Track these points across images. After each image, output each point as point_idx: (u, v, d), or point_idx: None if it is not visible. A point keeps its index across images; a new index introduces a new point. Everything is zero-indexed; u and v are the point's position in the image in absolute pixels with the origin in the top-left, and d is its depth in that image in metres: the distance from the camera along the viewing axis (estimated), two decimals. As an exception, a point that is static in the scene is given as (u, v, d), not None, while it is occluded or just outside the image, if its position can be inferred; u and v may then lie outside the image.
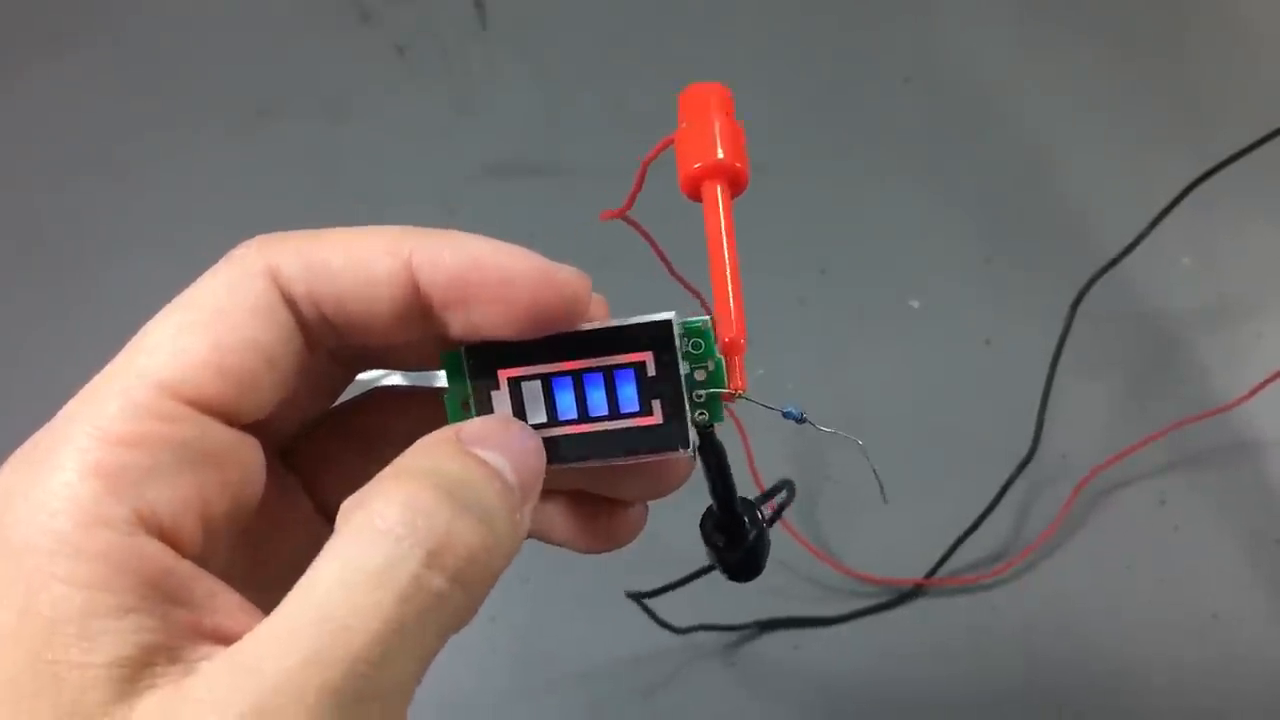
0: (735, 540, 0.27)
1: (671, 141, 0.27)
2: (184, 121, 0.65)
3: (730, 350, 0.24)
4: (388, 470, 0.21)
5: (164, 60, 0.67)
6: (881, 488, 0.27)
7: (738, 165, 0.26)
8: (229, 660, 0.19)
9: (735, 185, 0.26)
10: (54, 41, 0.68)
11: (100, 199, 0.62)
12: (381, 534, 0.19)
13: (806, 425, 0.24)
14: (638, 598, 0.47)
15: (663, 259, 0.30)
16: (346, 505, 0.21)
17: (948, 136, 0.63)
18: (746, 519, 0.27)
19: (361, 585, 0.19)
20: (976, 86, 0.65)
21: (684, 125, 0.27)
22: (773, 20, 0.68)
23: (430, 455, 0.21)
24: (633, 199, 0.28)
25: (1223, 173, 0.49)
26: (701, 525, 0.27)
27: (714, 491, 0.26)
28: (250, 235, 0.23)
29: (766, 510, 0.28)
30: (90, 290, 0.59)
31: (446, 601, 0.20)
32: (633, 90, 0.65)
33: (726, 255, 0.25)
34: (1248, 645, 0.49)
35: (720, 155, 0.26)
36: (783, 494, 0.28)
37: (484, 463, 0.22)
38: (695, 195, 0.27)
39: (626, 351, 0.23)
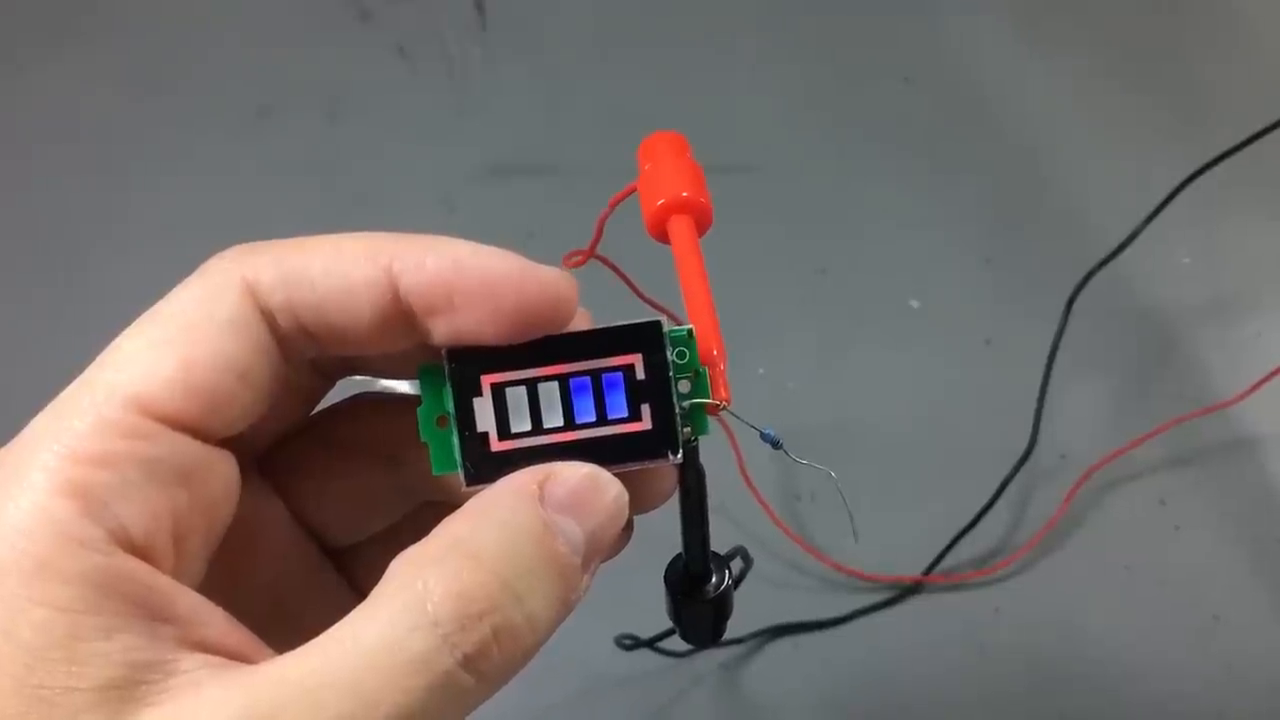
0: (699, 590, 0.26)
1: (632, 191, 0.28)
2: (184, 121, 0.65)
3: (710, 362, 0.23)
4: (458, 530, 0.21)
5: (164, 60, 0.67)
6: (853, 523, 0.27)
7: (701, 200, 0.27)
8: (243, 692, 0.19)
9: (700, 221, 0.27)
10: (54, 41, 0.68)
11: (100, 199, 0.62)
12: (430, 624, 0.19)
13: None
14: (631, 646, 0.47)
15: (629, 284, 0.30)
16: (401, 562, 0.21)
17: (947, 136, 0.63)
18: (714, 571, 0.26)
19: (398, 668, 0.19)
20: (976, 86, 0.65)
21: (644, 171, 0.28)
22: (772, 20, 0.68)
23: (505, 527, 0.21)
24: (593, 247, 0.29)
25: (1223, 168, 0.49)
26: (667, 575, 0.26)
27: (688, 524, 0.25)
28: (250, 236, 0.23)
29: (734, 568, 0.27)
30: (89, 290, 0.59)
31: (470, 695, 0.20)
32: (633, 90, 0.65)
33: (699, 277, 0.25)
34: (1249, 646, 0.48)
35: (684, 193, 0.27)
36: (738, 561, 0.27)
37: (558, 546, 0.21)
38: (662, 235, 0.27)
39: (614, 355, 0.23)
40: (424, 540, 0.21)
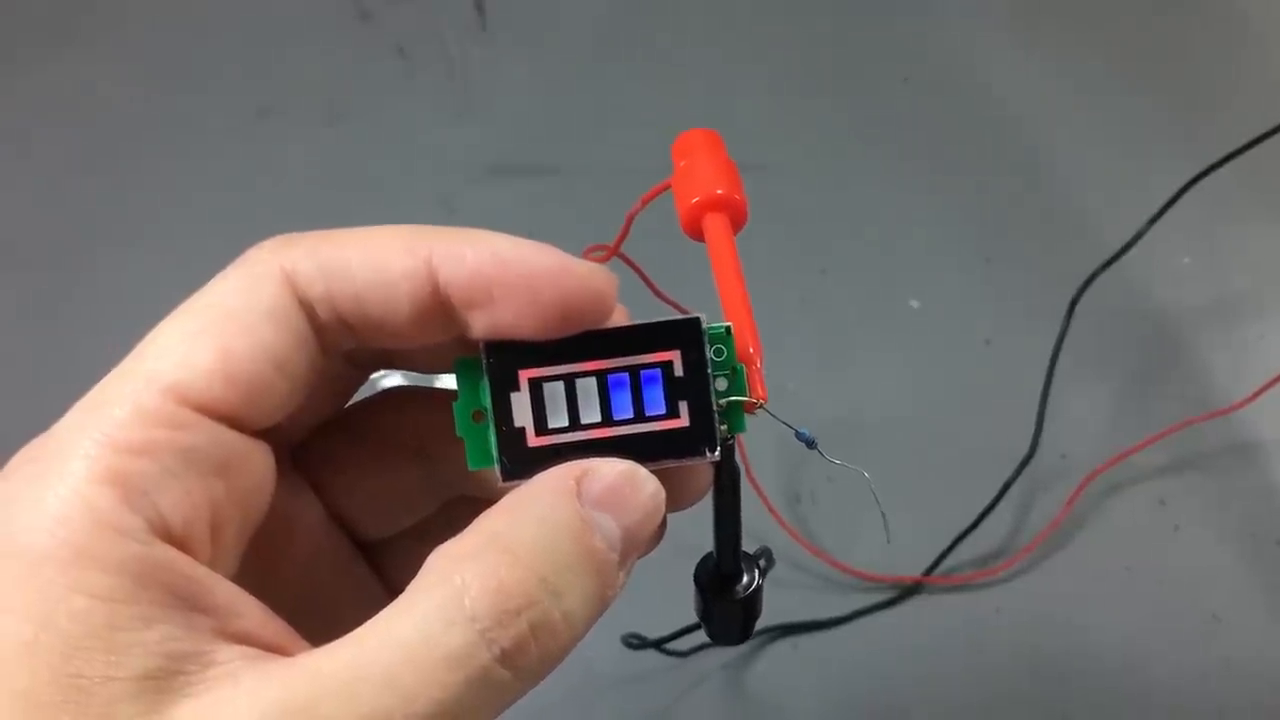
0: (731, 589, 0.26)
1: (665, 188, 0.28)
2: (184, 121, 0.65)
3: (748, 360, 0.23)
4: (495, 525, 0.21)
5: (164, 60, 0.67)
6: (886, 523, 0.27)
7: (737, 197, 0.27)
8: (280, 684, 0.19)
9: (736, 219, 0.27)
10: (54, 41, 0.68)
11: (100, 198, 0.62)
12: (467, 619, 0.19)
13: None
14: (637, 645, 0.47)
15: (649, 285, 0.30)
16: (438, 556, 0.20)
17: (947, 136, 0.63)
18: (745, 570, 0.26)
19: (435, 663, 0.19)
20: (976, 86, 0.65)
21: (679, 168, 0.28)
22: (772, 20, 0.68)
23: (544, 523, 0.21)
24: (619, 243, 0.29)
25: (1225, 170, 0.49)
26: (696, 575, 0.26)
27: (720, 522, 0.25)
28: (249, 235, 0.23)
29: (761, 564, 0.27)
30: (90, 290, 0.59)
31: (507, 691, 0.20)
32: (633, 90, 0.65)
33: (735, 275, 0.25)
34: (1248, 646, 0.49)
35: (719, 190, 0.27)
36: (763, 560, 0.27)
37: (596, 543, 0.21)
38: (696, 233, 0.27)
39: (652, 351, 0.23)
40: (460, 535, 0.21)
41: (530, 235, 0.22)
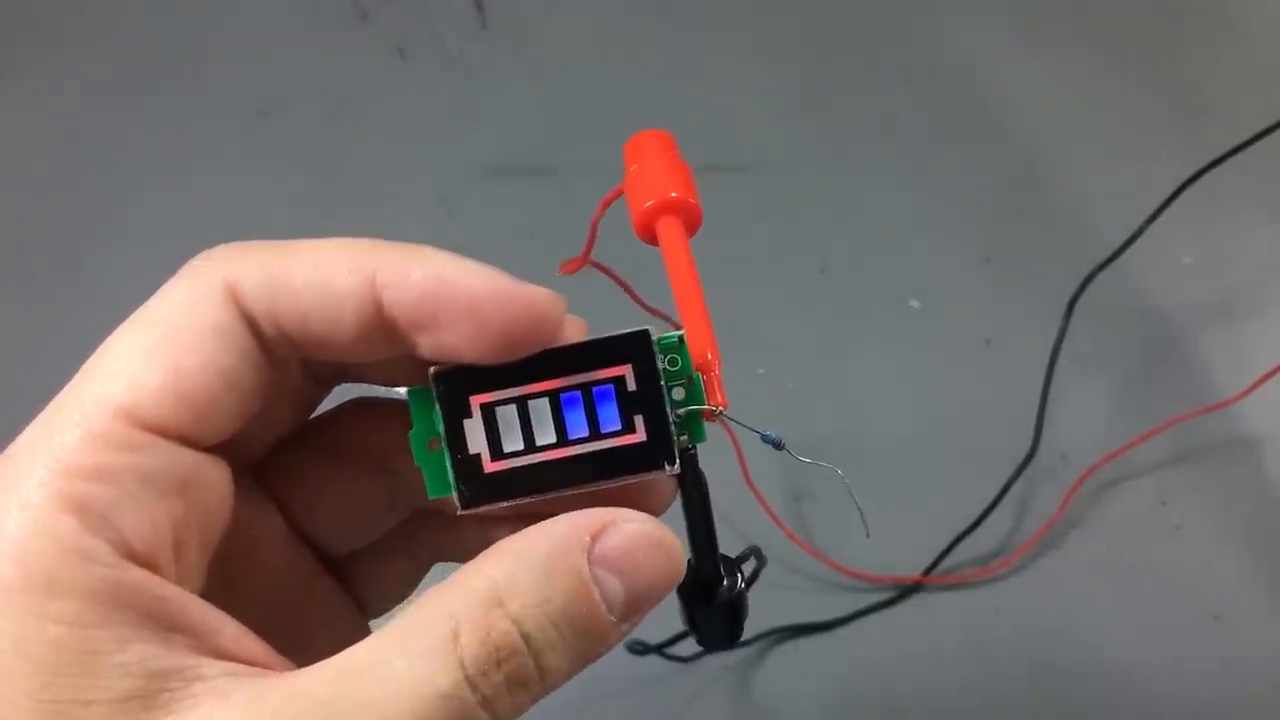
0: (712, 596, 0.25)
1: (620, 193, 0.27)
2: (184, 121, 0.65)
3: (704, 368, 0.23)
4: (494, 571, 0.21)
5: (164, 60, 0.67)
6: (864, 518, 0.26)
7: (690, 200, 0.26)
8: (270, 704, 0.19)
9: (689, 222, 0.26)
10: (54, 41, 0.68)
11: (99, 199, 0.62)
12: (456, 663, 0.20)
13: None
14: (641, 651, 0.47)
15: (626, 289, 0.30)
16: (436, 595, 0.21)
17: (947, 136, 0.63)
18: (725, 575, 0.26)
19: (423, 700, 0.19)
20: (976, 86, 0.65)
21: (630, 172, 0.27)
22: (772, 20, 0.68)
23: (543, 575, 0.21)
24: (588, 251, 0.28)
25: (1224, 168, 0.49)
26: (678, 584, 0.26)
27: (693, 532, 0.25)
28: (249, 237, 0.23)
29: (746, 569, 0.26)
30: (88, 290, 0.59)
31: None
32: (632, 90, 0.65)
33: (690, 280, 0.25)
34: (1249, 645, 0.48)
35: (671, 193, 0.26)
36: (751, 561, 0.27)
37: (594, 606, 0.21)
38: (650, 237, 0.26)
39: (604, 367, 0.22)
40: (463, 571, 0.21)
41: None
